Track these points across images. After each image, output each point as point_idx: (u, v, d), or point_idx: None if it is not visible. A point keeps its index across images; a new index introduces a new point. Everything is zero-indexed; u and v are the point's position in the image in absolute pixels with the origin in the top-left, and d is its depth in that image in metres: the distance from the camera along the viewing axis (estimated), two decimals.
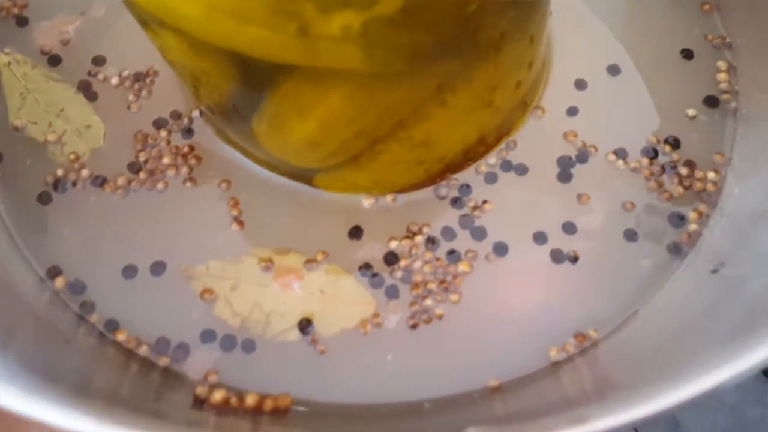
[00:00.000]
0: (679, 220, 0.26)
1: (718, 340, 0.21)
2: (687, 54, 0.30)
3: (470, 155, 0.28)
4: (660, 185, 0.27)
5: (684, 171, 0.27)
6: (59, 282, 0.26)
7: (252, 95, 0.23)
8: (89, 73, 0.30)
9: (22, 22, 0.31)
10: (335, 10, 0.18)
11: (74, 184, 0.28)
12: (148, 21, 0.22)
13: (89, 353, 0.24)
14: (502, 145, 0.28)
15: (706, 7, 0.31)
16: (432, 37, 0.21)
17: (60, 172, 0.28)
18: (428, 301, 0.25)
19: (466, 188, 0.27)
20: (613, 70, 0.29)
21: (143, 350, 0.25)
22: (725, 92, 0.29)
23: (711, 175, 0.27)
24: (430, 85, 0.24)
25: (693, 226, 0.26)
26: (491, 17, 0.22)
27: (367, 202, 0.27)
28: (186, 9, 0.19)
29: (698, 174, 0.27)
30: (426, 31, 0.20)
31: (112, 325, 0.25)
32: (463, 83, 0.25)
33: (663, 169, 0.27)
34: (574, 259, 0.26)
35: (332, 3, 0.18)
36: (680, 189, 0.27)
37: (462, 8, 0.20)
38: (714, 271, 0.24)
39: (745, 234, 0.25)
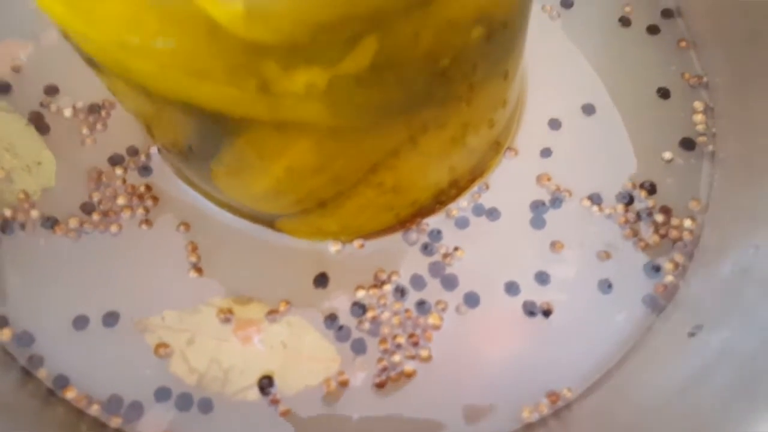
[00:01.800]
0: (654, 271, 0.25)
1: (705, 410, 0.20)
2: (663, 93, 0.28)
3: (442, 198, 0.26)
4: (635, 233, 0.25)
5: (660, 218, 0.26)
6: (5, 334, 0.24)
7: (209, 142, 0.21)
8: (41, 104, 0.27)
9: None
10: (299, 67, 0.16)
11: (23, 226, 0.25)
12: (97, 66, 0.19)
13: (34, 415, 0.22)
14: (475, 188, 0.26)
15: (683, 44, 0.29)
16: (402, 93, 0.19)
17: (8, 213, 0.25)
18: (396, 357, 0.23)
19: (436, 233, 0.26)
20: (588, 109, 0.28)
21: (94, 410, 0.23)
22: (702, 134, 0.27)
23: (687, 222, 0.26)
24: (401, 132, 0.22)
25: (669, 278, 0.25)
26: (465, 67, 0.20)
27: (333, 248, 0.25)
28: (139, 65, 0.16)
29: (674, 221, 0.26)
30: (395, 86, 0.18)
31: (62, 382, 0.23)
32: (435, 126, 0.23)
33: (638, 216, 0.26)
34: (547, 312, 0.24)
35: (296, 60, 0.16)
36: (656, 237, 0.25)
37: (434, 63, 0.18)
38: (691, 335, 0.22)
39: (725, 288, 0.24)
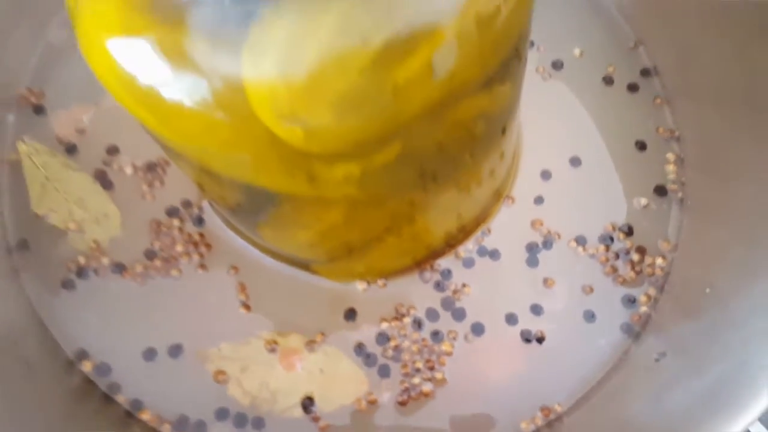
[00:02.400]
0: (630, 302, 0.29)
1: (674, 422, 0.24)
2: (641, 145, 0.33)
3: (451, 242, 0.31)
4: (615, 270, 0.30)
5: (636, 257, 0.30)
6: (87, 365, 0.28)
7: (257, 206, 0.26)
8: (104, 162, 0.32)
9: (39, 110, 0.33)
10: (339, 164, 0.20)
11: (96, 271, 0.30)
12: (163, 146, 0.23)
13: None
14: (479, 232, 0.31)
15: (658, 100, 0.33)
16: (418, 172, 0.23)
17: (82, 260, 0.30)
18: (416, 379, 0.28)
19: (447, 273, 0.30)
20: (575, 161, 0.32)
21: (165, 428, 0.27)
22: (673, 183, 0.32)
23: (659, 261, 0.30)
24: (418, 194, 0.26)
25: (643, 308, 0.29)
26: (470, 147, 0.24)
27: (360, 286, 0.30)
28: (211, 161, 0.21)
29: (648, 260, 0.30)
30: (414, 169, 0.22)
31: (137, 405, 0.27)
32: (446, 183, 0.27)
33: (617, 255, 0.30)
34: (541, 339, 0.29)
35: (337, 159, 0.20)
36: (632, 274, 0.30)
37: (445, 151, 0.22)
38: (657, 360, 0.26)
39: (691, 317, 0.28)
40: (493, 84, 0.22)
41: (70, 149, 0.32)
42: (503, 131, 0.28)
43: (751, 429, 0.24)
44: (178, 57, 0.18)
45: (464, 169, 0.27)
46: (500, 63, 0.21)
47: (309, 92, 0.17)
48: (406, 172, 0.23)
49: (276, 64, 0.17)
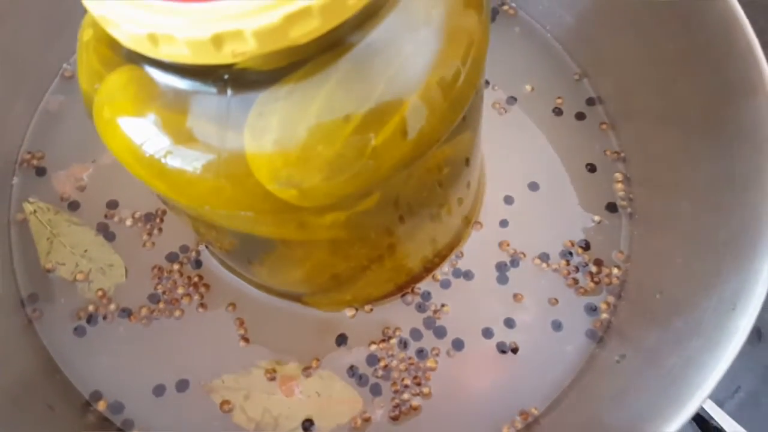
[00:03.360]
0: (592, 310, 0.33)
1: (635, 416, 0.27)
2: (591, 168, 0.36)
3: (428, 266, 0.33)
4: (576, 282, 0.33)
5: (594, 269, 0.33)
6: (101, 405, 0.30)
7: (250, 251, 0.28)
8: (105, 216, 0.34)
9: (40, 172, 0.35)
10: (327, 213, 0.23)
11: (104, 317, 0.32)
12: (175, 210, 0.26)
13: None
14: (453, 256, 0.34)
15: (604, 126, 0.37)
16: (396, 213, 0.26)
17: (91, 308, 0.32)
18: (405, 395, 0.30)
19: (427, 295, 0.33)
20: (533, 186, 0.35)
21: None
22: (622, 200, 0.35)
23: (615, 270, 0.33)
24: (398, 229, 0.29)
25: (604, 315, 0.32)
26: (436, 188, 0.27)
27: (349, 313, 0.32)
28: (214, 218, 0.23)
29: (605, 271, 0.33)
30: (392, 211, 0.25)
31: None
32: (420, 216, 0.30)
33: (577, 268, 0.33)
34: (515, 350, 0.32)
35: (326, 210, 0.23)
36: (592, 284, 0.33)
37: (418, 193, 0.25)
38: (617, 362, 0.30)
39: (646, 319, 0.31)
40: (456, 133, 0.25)
41: (73, 206, 0.34)
42: (467, 163, 0.31)
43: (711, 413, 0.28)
44: (188, 138, 0.21)
45: (436, 202, 0.30)
46: (462, 116, 0.24)
47: (302, 161, 0.20)
48: (385, 214, 0.26)
49: (275, 143, 0.20)
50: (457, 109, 0.23)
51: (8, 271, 0.32)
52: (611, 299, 0.32)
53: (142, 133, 0.21)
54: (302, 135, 0.20)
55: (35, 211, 0.33)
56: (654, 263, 0.32)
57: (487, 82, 0.37)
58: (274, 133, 0.20)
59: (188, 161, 0.20)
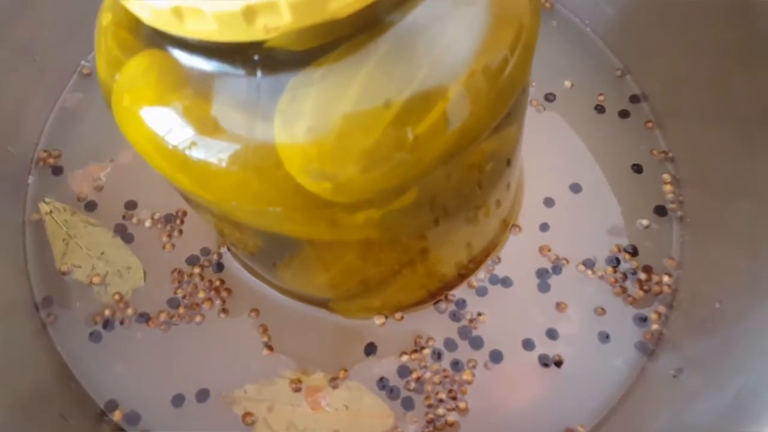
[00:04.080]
0: (642, 321, 0.31)
1: None
2: (637, 168, 0.34)
3: (463, 273, 0.32)
4: (624, 290, 0.31)
5: (643, 276, 0.31)
6: (117, 415, 0.29)
7: (276, 252, 0.27)
8: (123, 217, 0.33)
9: (57, 171, 0.34)
10: (361, 210, 0.22)
11: (122, 322, 0.31)
12: (200, 209, 0.25)
13: None
14: (489, 261, 0.32)
15: (650, 124, 0.35)
16: (434, 213, 0.24)
17: (108, 312, 0.31)
18: (440, 410, 0.29)
19: (462, 302, 0.31)
20: (575, 187, 0.34)
21: None
22: (672, 202, 0.33)
23: (666, 278, 0.31)
24: (432, 231, 0.28)
25: (655, 326, 0.30)
26: (480, 186, 0.26)
27: (378, 321, 0.31)
28: (245, 217, 0.22)
29: (655, 278, 0.31)
30: (429, 211, 0.24)
31: None
32: (456, 218, 0.28)
33: (625, 275, 0.31)
34: (559, 363, 0.30)
35: (359, 207, 0.22)
36: (641, 293, 0.31)
37: (458, 192, 0.24)
38: (674, 376, 0.28)
39: (704, 331, 0.29)
40: (501, 128, 0.24)
41: (90, 206, 0.33)
42: (508, 163, 0.30)
43: None
44: (212, 127, 0.19)
45: (474, 203, 0.28)
46: (508, 109, 0.23)
47: (337, 151, 0.19)
48: (421, 213, 0.25)
49: (307, 130, 0.19)
50: (503, 101, 0.22)
51: (22, 274, 0.31)
52: (662, 309, 0.30)
53: (164, 121, 0.19)
54: (338, 122, 0.18)
55: (51, 212, 0.32)
56: (710, 270, 0.30)
57: None
58: (307, 119, 0.18)
59: (213, 152, 0.19)
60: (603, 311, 0.30)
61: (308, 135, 0.18)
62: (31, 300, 0.31)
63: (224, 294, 0.31)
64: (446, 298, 0.31)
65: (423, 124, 0.19)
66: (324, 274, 0.27)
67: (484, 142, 0.23)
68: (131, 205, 0.33)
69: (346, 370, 0.29)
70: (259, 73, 0.17)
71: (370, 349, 0.30)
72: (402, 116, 0.19)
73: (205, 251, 0.32)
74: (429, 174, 0.21)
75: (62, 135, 0.35)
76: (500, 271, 0.31)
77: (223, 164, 0.19)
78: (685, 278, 0.31)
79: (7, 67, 0.32)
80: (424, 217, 0.25)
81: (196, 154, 0.20)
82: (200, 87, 0.19)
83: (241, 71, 0.18)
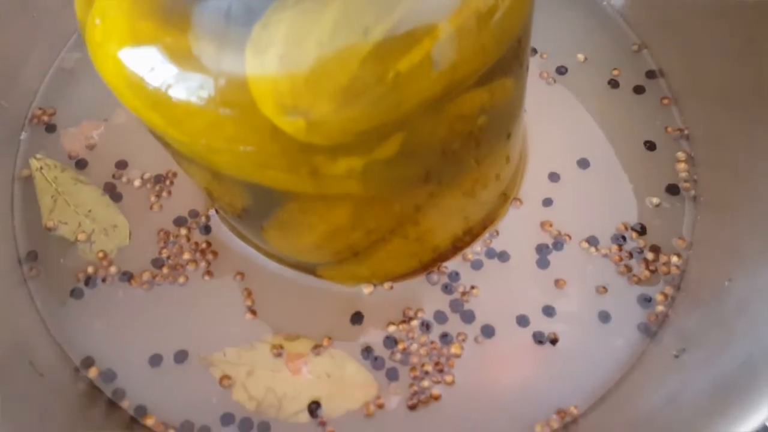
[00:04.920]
0: (647, 302, 0.30)
1: (690, 418, 0.24)
2: (650, 146, 0.33)
3: (458, 245, 0.31)
4: (629, 269, 0.30)
5: (650, 256, 0.30)
6: (93, 372, 0.29)
7: (262, 208, 0.27)
8: (113, 176, 0.33)
9: (50, 128, 0.35)
10: (341, 157, 0.21)
11: (104, 280, 0.31)
12: (179, 155, 0.25)
13: None
14: (486, 234, 0.31)
15: (666, 101, 0.34)
16: (421, 169, 0.24)
17: (90, 269, 0.31)
18: (425, 383, 0.28)
19: (455, 275, 0.30)
20: (583, 163, 0.33)
21: None
22: (685, 181, 0.32)
23: (674, 259, 0.30)
24: (423, 194, 0.27)
25: (660, 308, 0.29)
26: (472, 145, 0.25)
27: (366, 290, 0.30)
28: (218, 159, 0.22)
29: (663, 258, 0.30)
30: (416, 165, 0.23)
31: (142, 411, 0.28)
32: (451, 185, 0.28)
33: (631, 254, 0.30)
34: (554, 341, 0.29)
35: (339, 153, 0.21)
36: (647, 273, 0.30)
37: (447, 146, 0.23)
38: (676, 356, 0.27)
39: (706, 315, 0.28)
40: (493, 79, 0.23)
41: (81, 164, 0.33)
42: (508, 136, 0.29)
43: None
44: (183, 58, 0.19)
45: (469, 172, 0.28)
46: (500, 57, 0.22)
47: (311, 84, 0.19)
48: (409, 170, 0.24)
49: (278, 59, 0.18)
50: (493, 46, 0.21)
51: (8, 228, 0.31)
52: (669, 290, 0.29)
53: (135, 54, 0.19)
54: (312, 51, 0.18)
55: (41, 168, 0.33)
56: (721, 251, 0.29)
57: (535, 50, 0.35)
58: (278, 48, 0.18)
59: (182, 86, 0.19)
60: (605, 290, 0.29)
61: (279, 65, 0.18)
62: (15, 254, 0.31)
63: (210, 256, 0.30)
64: (439, 269, 0.30)
65: (405, 61, 0.19)
66: (310, 235, 0.27)
67: (473, 91, 0.22)
68: (122, 165, 0.33)
69: (330, 338, 0.29)
70: None
71: (357, 318, 0.29)
72: (382, 49, 0.18)
73: (194, 213, 0.32)
74: (412, 119, 0.21)
75: (58, 93, 0.35)
76: (498, 244, 0.31)
77: (193, 99, 0.19)
78: (695, 259, 0.30)
79: (5, 23, 0.33)
80: (412, 178, 0.24)
81: (166, 88, 0.19)
82: (171, 15, 0.19)
83: None
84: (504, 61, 0.23)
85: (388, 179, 0.24)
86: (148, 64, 0.19)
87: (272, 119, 0.19)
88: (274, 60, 0.18)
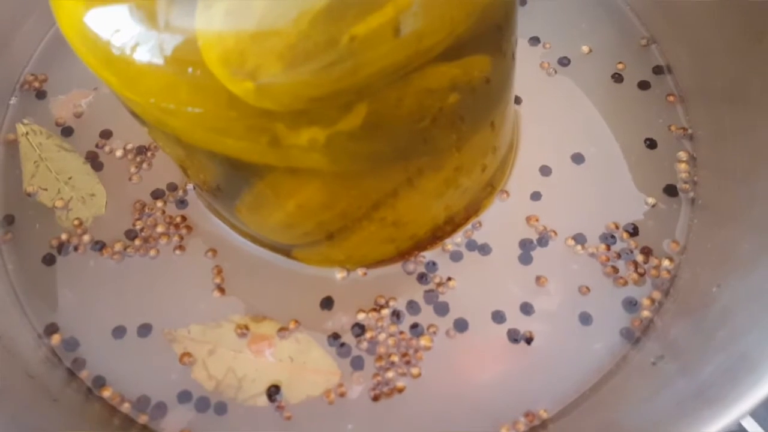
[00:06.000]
0: (632, 305, 0.28)
1: (664, 419, 0.22)
2: (651, 143, 0.32)
3: (438, 234, 0.30)
4: (615, 271, 0.29)
5: (640, 258, 0.29)
6: (55, 339, 0.28)
7: (233, 183, 0.26)
8: (97, 145, 0.33)
9: (41, 95, 0.34)
10: (302, 127, 0.21)
11: (76, 248, 0.30)
12: (140, 119, 0.24)
13: (76, 410, 0.27)
14: (469, 225, 0.30)
15: (671, 98, 0.33)
16: (390, 145, 0.23)
17: (64, 237, 0.30)
18: (390, 374, 0.27)
19: (432, 265, 0.29)
20: (578, 158, 0.31)
21: (125, 407, 0.27)
22: (685, 182, 0.31)
23: (666, 263, 0.29)
24: (399, 175, 0.26)
25: (645, 313, 0.28)
26: (446, 123, 0.24)
27: (339, 275, 0.29)
28: (173, 122, 0.21)
29: (653, 261, 0.29)
30: (384, 141, 0.22)
31: (100, 382, 0.28)
32: (430, 169, 0.27)
33: (619, 255, 0.29)
34: (529, 340, 0.27)
35: (299, 122, 0.20)
36: (635, 275, 0.29)
37: (416, 123, 0.22)
38: (653, 364, 0.25)
39: (693, 321, 0.27)
40: (465, 55, 0.22)
41: (66, 131, 0.33)
42: (492, 125, 0.28)
43: (747, 427, 0.23)
44: (133, 13, 0.19)
45: (448, 159, 0.27)
46: (472, 30, 0.21)
47: (257, 42, 0.18)
48: (377, 145, 0.23)
49: (224, 14, 0.18)
50: (464, 16, 0.20)
51: None
52: (657, 295, 0.28)
53: (89, 9, 0.19)
54: (260, 7, 0.17)
55: (27, 133, 0.33)
56: (713, 257, 0.27)
57: (537, 40, 0.34)
58: (226, 2, 0.17)
59: (131, 43, 0.18)
60: (588, 290, 0.28)
61: (225, 20, 0.17)
62: None
63: (183, 231, 0.30)
64: (416, 258, 0.29)
65: (363, 25, 0.18)
66: (279, 212, 0.26)
67: (442, 65, 0.21)
68: (106, 134, 0.33)
69: (297, 322, 0.28)
70: None
71: (327, 303, 0.28)
72: (336, 10, 0.18)
73: (172, 186, 0.31)
74: (373, 87, 0.20)
75: (51, 60, 0.35)
76: (480, 237, 0.29)
77: (143, 57, 0.19)
78: (687, 264, 0.28)
79: None
80: (380, 150, 0.23)
81: (117, 44, 0.19)
82: None
83: None
84: (478, 36, 0.22)
85: (355, 154, 0.23)
86: (102, 22, 0.19)
87: (220, 80, 0.18)
88: (220, 15, 0.17)
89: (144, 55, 0.19)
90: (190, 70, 0.19)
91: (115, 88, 0.21)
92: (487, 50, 0.23)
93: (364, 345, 0.27)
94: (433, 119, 0.23)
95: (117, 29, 0.19)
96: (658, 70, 0.33)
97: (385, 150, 0.23)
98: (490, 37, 0.23)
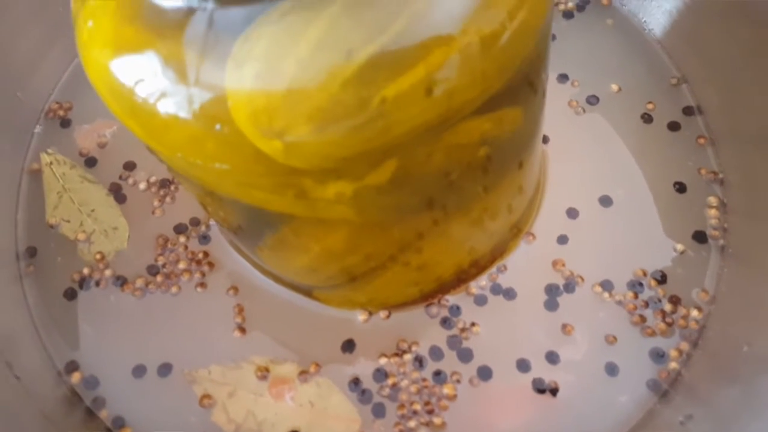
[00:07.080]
0: (659, 357, 0.27)
1: None
2: (680, 187, 0.31)
3: (463, 276, 0.29)
4: (643, 320, 0.28)
5: (668, 307, 0.28)
6: (75, 377, 0.28)
7: (256, 226, 0.26)
8: (120, 177, 0.33)
9: (65, 123, 0.34)
10: (330, 181, 0.20)
11: (98, 283, 0.30)
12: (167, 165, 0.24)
13: None
14: (493, 268, 0.30)
15: (702, 140, 0.32)
16: (418, 198, 0.22)
17: (86, 271, 0.30)
18: (412, 423, 0.26)
19: (456, 309, 0.29)
20: (606, 201, 0.31)
21: None
22: (714, 229, 0.30)
23: (694, 313, 0.28)
24: (426, 222, 0.26)
25: (673, 364, 0.27)
26: (475, 175, 0.23)
27: (361, 317, 0.29)
28: (200, 175, 0.21)
29: (682, 311, 0.28)
30: (412, 194, 0.22)
31: (119, 422, 0.27)
32: (456, 212, 0.26)
33: (647, 303, 0.28)
34: (555, 391, 0.27)
35: (327, 177, 0.20)
36: (663, 325, 0.28)
37: (445, 176, 0.22)
38: (682, 423, 0.24)
39: (726, 377, 0.26)
40: (497, 108, 0.22)
41: (90, 162, 0.33)
42: (520, 165, 0.27)
43: None
44: (162, 67, 0.18)
45: (476, 201, 0.26)
46: (505, 86, 0.21)
47: (287, 104, 0.17)
48: (405, 198, 0.23)
49: (256, 76, 0.17)
50: (498, 74, 0.19)
51: (10, 222, 0.31)
52: (685, 346, 0.27)
53: (116, 60, 0.19)
54: (290, 69, 0.17)
55: (51, 163, 0.33)
56: (745, 309, 0.27)
57: (566, 77, 0.33)
58: (257, 63, 0.17)
59: (158, 95, 0.18)
60: (615, 340, 0.27)
61: (256, 81, 0.17)
62: (14, 249, 0.31)
63: (205, 267, 0.30)
64: (439, 302, 0.28)
65: (395, 85, 0.18)
66: (304, 257, 0.26)
67: (473, 120, 0.21)
68: (130, 166, 0.32)
69: (318, 365, 0.27)
70: (210, 4, 0.16)
71: (348, 346, 0.28)
72: (367, 72, 0.17)
73: (195, 221, 0.31)
74: (404, 147, 0.19)
75: (76, 89, 0.35)
76: (505, 280, 0.29)
77: (170, 110, 0.18)
78: (717, 315, 0.27)
79: (30, 17, 0.33)
80: (411, 205, 0.23)
81: (144, 97, 0.18)
82: (156, 21, 0.18)
83: (193, 2, 0.16)
84: (510, 90, 0.21)
85: (383, 206, 0.23)
86: (128, 72, 0.19)
87: (249, 138, 0.18)
88: (251, 76, 0.17)
89: (170, 107, 0.19)
90: (218, 126, 0.18)
91: (144, 140, 0.20)
92: (519, 102, 0.22)
93: (386, 391, 0.27)
94: (460, 173, 0.22)
95: (141, 79, 0.19)
96: (688, 111, 0.32)
97: (414, 201, 0.23)
98: (523, 86, 0.22)
